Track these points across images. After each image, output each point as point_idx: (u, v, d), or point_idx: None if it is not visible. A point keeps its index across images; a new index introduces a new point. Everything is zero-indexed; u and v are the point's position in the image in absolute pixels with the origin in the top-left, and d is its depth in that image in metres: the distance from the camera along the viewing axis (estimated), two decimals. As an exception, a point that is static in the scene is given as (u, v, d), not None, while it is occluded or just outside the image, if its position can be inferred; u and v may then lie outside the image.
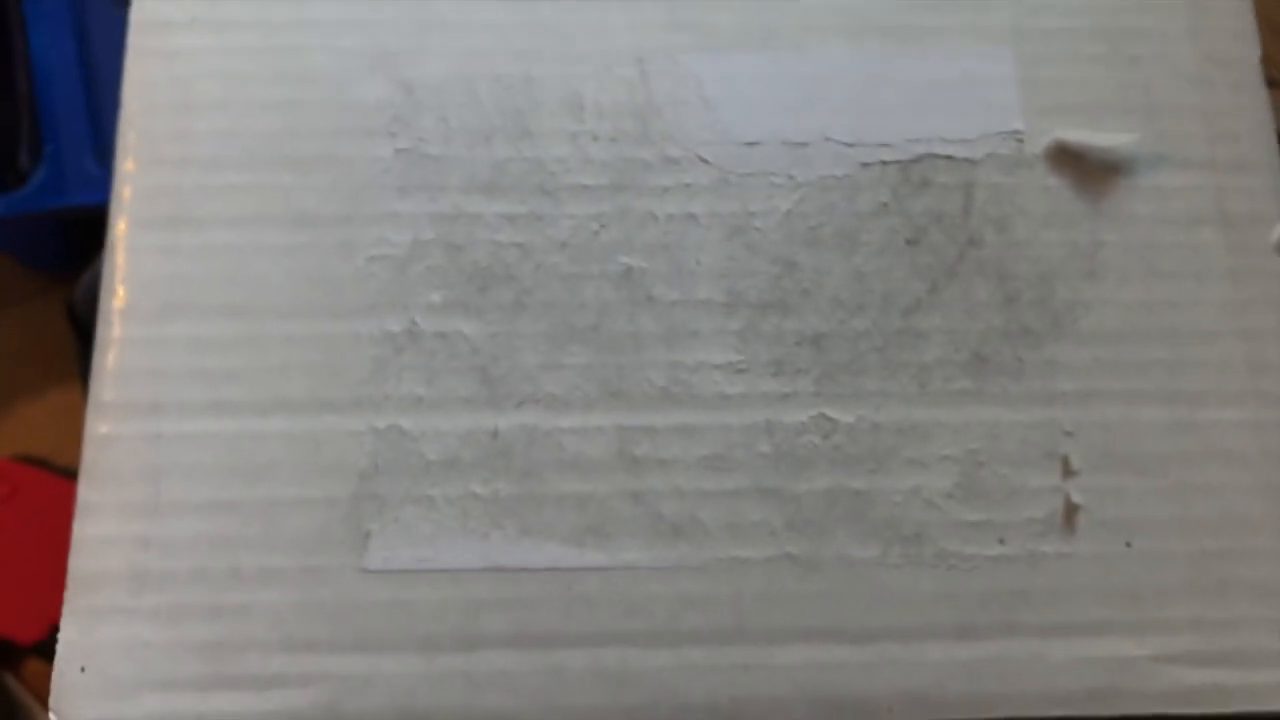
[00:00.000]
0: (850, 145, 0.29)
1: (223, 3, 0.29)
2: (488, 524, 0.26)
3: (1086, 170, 0.30)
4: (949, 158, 0.29)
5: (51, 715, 0.24)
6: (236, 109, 0.29)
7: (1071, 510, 0.27)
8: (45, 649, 0.49)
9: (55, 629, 0.25)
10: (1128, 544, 0.27)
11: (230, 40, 0.29)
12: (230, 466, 0.26)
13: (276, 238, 0.28)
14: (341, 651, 0.25)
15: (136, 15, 0.29)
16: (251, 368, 0.27)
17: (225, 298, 0.27)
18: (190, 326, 0.27)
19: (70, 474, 0.33)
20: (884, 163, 0.29)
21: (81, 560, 0.26)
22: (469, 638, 0.25)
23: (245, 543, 0.26)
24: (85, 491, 0.26)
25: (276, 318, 0.27)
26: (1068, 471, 0.27)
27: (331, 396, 0.27)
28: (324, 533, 0.26)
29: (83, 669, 0.25)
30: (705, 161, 0.29)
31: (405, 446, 0.26)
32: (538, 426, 0.27)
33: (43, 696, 0.35)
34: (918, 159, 0.29)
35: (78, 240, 0.56)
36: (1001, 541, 0.27)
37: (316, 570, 0.26)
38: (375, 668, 0.25)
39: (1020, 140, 0.30)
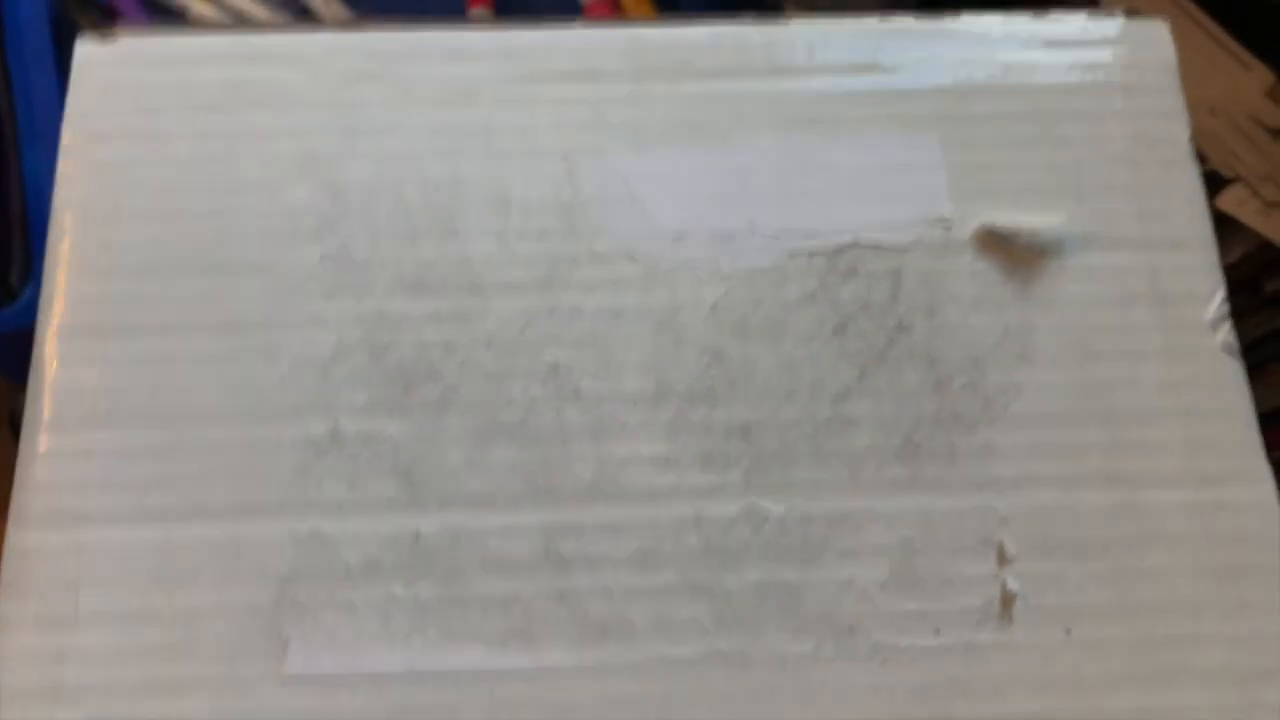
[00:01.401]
0: (777, 236, 0.29)
1: (154, 114, 0.30)
2: (409, 627, 0.26)
3: (1015, 253, 0.30)
4: (876, 246, 0.29)
5: (-38, 837, 0.24)
6: (165, 218, 0.29)
7: (1008, 598, 0.26)
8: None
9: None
10: (1067, 631, 0.26)
11: (160, 150, 0.30)
12: (151, 575, 0.26)
13: (203, 344, 0.28)
14: (260, 763, 0.25)
15: (68, 129, 0.30)
16: (175, 475, 0.27)
17: (151, 405, 0.27)
18: (116, 435, 0.27)
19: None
20: (811, 252, 0.29)
21: (-3, 676, 0.25)
22: (390, 746, 0.25)
23: (164, 652, 0.25)
24: (5, 605, 0.26)
25: (201, 424, 0.27)
26: (1003, 559, 0.27)
27: (253, 501, 0.27)
28: (244, 640, 0.26)
29: (-6, 788, 0.24)
30: (632, 256, 0.29)
31: (325, 551, 0.26)
32: (461, 527, 0.26)
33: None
34: (844, 248, 0.29)
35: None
36: (937, 632, 0.26)
37: (236, 679, 0.25)
38: (294, 780, 0.25)
39: (947, 226, 0.30)
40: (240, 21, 0.55)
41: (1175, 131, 0.31)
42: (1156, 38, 0.32)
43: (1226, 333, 0.29)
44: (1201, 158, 0.32)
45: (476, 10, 0.56)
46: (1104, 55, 0.32)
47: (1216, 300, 0.30)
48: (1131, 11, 0.33)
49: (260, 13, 0.55)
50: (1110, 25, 0.32)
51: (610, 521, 0.27)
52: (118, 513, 0.26)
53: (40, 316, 0.28)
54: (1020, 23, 0.32)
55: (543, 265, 0.29)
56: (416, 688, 0.25)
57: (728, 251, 0.29)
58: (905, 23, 0.32)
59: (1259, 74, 0.48)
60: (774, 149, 0.30)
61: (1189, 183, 0.31)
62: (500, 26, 0.31)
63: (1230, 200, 0.54)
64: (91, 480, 0.27)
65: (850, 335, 0.29)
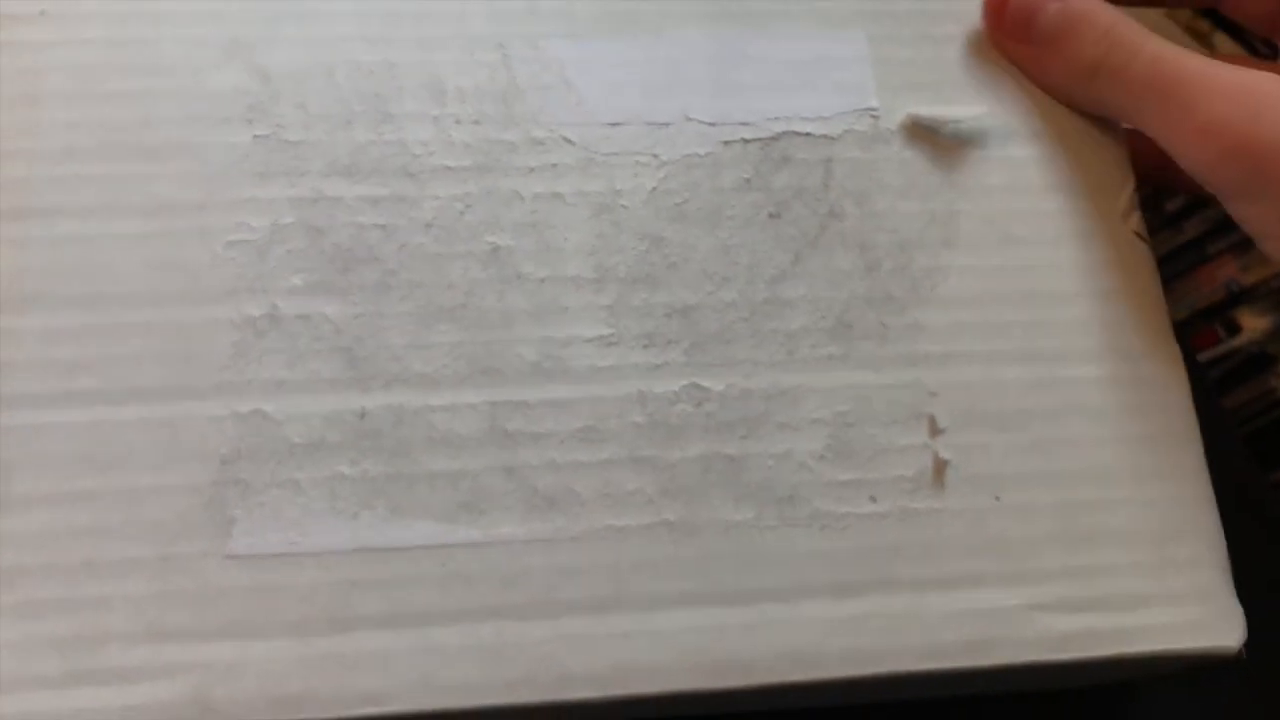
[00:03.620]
0: (711, 124, 0.30)
1: (71, -5, 0.29)
2: (356, 504, 0.26)
3: (940, 144, 0.30)
4: (808, 135, 0.30)
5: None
6: (87, 100, 0.28)
7: (940, 467, 0.27)
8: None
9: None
10: (996, 498, 0.27)
11: (80, 32, 0.29)
12: (83, 456, 0.25)
13: (130, 226, 0.27)
14: (207, 640, 0.24)
15: (-21, 8, 0.28)
16: (105, 356, 0.26)
17: (78, 288, 0.26)
18: (41, 318, 0.26)
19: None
20: (745, 140, 0.30)
21: (-75, 560, 0.24)
22: (341, 619, 0.25)
23: (101, 533, 0.25)
24: (-71, 490, 0.25)
25: (131, 306, 0.26)
26: (934, 430, 0.28)
27: (190, 383, 0.26)
28: (185, 520, 0.25)
29: (-73, 671, 0.24)
30: (570, 142, 0.29)
31: (268, 430, 0.26)
32: (406, 405, 0.26)
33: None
34: (777, 136, 0.30)
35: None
36: (873, 499, 0.27)
37: (178, 558, 0.25)
38: (244, 654, 0.24)
39: (876, 117, 0.30)
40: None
41: (1086, 32, 0.32)
42: (1067, -57, 0.34)
43: (1136, 221, 0.31)
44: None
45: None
46: (1019, -42, 0.33)
47: (1127, 191, 0.31)
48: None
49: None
50: (1024, -70, 0.33)
51: (555, 399, 0.27)
52: (44, 395, 0.26)
53: (-46, 200, 0.27)
54: (939, -74, 0.33)
55: (480, 150, 0.29)
56: (366, 563, 0.25)
57: (664, 139, 0.30)
58: (829, -77, 0.33)
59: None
60: (704, 41, 0.31)
61: (1100, 80, 0.32)
62: (429, -85, 0.31)
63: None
64: (14, 362, 0.26)
65: (785, 221, 0.29)
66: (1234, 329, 0.59)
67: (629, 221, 0.29)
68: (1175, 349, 0.30)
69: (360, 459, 0.26)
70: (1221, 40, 0.53)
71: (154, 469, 0.25)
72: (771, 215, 0.29)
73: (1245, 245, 0.58)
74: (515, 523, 0.26)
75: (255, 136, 0.28)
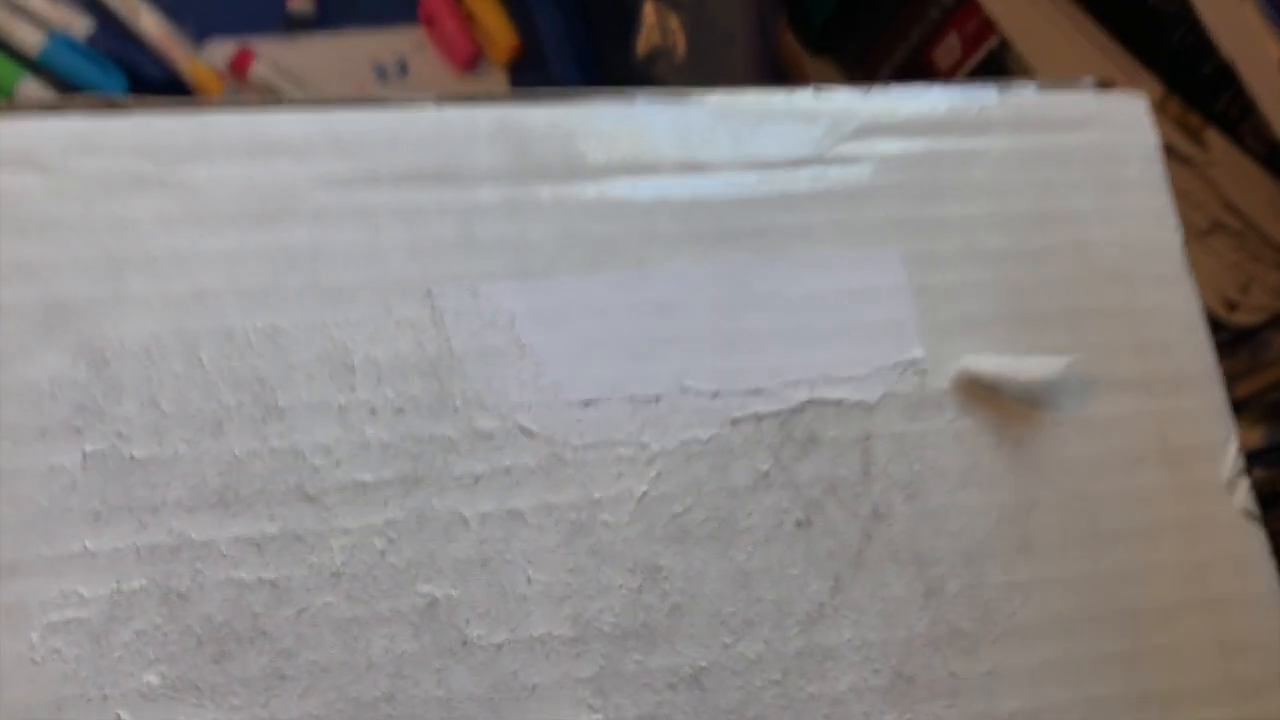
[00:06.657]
0: (714, 395, 0.22)
1: None
2: None
3: (1004, 406, 0.24)
4: (838, 403, 0.23)
5: None
6: None
7: None
8: None
9: None
10: None
11: None
12: None
13: (-99, 606, 0.19)
14: None
15: None
16: None
17: None
18: None
19: None
20: (759, 416, 0.22)
21: None
22: None
23: None
24: None
25: (-97, 737, 0.18)
26: (1027, 829, 0.21)
27: None
28: None
29: None
30: (528, 433, 0.21)
31: None
32: None
33: None
34: (800, 408, 0.23)
35: None
36: None
37: None
38: None
39: (922, 372, 0.23)
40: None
41: (1166, 238, 0.26)
42: (1134, 116, 0.27)
43: (1244, 493, 0.24)
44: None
45: (296, 6, 0.47)
46: (1078, 140, 0.26)
47: (1231, 452, 0.25)
48: (1104, 84, 0.27)
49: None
50: (1082, 102, 0.27)
51: (523, 831, 0.19)
52: None
53: None
54: (978, 98, 0.26)
55: (405, 454, 0.21)
56: None
57: (653, 420, 0.22)
58: (844, 99, 0.25)
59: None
60: (701, 275, 0.23)
61: (1186, 303, 0.26)
62: (324, 107, 0.23)
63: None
64: None
65: (817, 531, 0.22)
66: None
67: (613, 546, 0.21)
68: (1302, 669, 0.23)
69: None
70: (1212, 136, 0.48)
71: None
72: (799, 523, 0.22)
73: (1232, 346, 0.53)
74: None
75: (86, 454, 0.20)
